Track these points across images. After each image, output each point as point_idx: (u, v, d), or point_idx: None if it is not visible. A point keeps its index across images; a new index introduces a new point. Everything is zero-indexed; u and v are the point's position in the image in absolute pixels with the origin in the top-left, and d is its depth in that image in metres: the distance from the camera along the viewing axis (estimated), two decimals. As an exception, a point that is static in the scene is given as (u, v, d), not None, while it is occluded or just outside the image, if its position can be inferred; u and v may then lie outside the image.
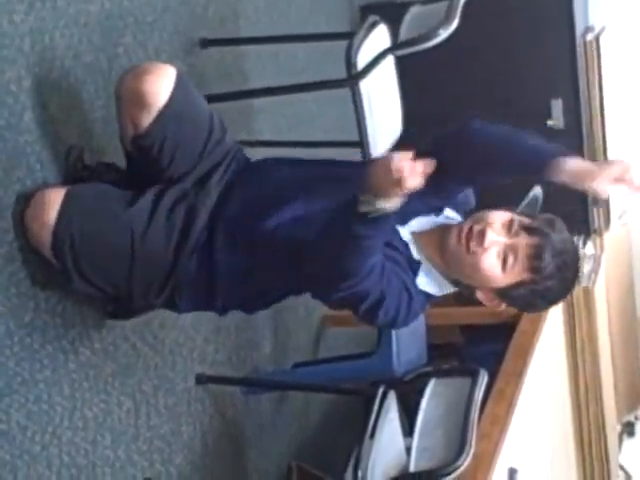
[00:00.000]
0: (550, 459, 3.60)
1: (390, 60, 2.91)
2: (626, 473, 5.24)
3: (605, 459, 4.39)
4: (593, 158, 4.34)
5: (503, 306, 2.13)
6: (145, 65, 2.19)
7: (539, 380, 3.48)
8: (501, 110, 4.33)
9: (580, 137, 4.31)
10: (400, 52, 2.79)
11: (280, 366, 3.57)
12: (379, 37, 2.87)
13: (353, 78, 2.75)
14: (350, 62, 2.73)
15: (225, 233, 2.13)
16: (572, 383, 4.18)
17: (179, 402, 2.88)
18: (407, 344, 3.39)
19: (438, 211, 2.14)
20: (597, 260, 4.25)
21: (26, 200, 2.13)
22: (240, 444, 3.28)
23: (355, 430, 2.65)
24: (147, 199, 2.13)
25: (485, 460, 2.78)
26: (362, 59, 2.75)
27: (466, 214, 2.14)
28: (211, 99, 2.39)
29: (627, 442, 5.52)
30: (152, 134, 2.13)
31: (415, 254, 2.09)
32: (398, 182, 1.79)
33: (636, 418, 5.62)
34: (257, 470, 3.35)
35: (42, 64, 2.28)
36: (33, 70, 2.25)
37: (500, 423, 2.98)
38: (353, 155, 2.84)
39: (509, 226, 2.02)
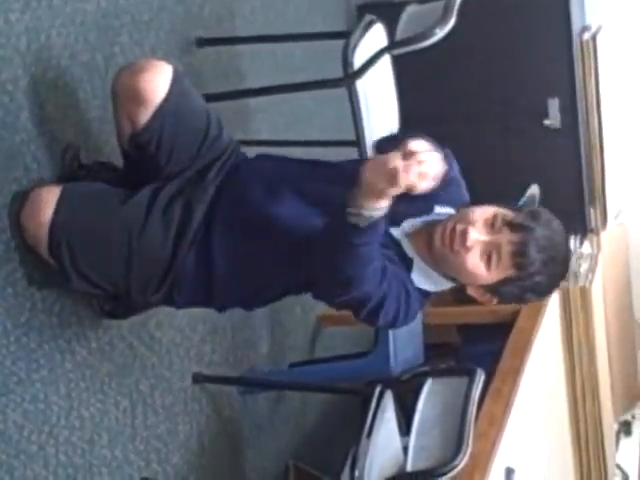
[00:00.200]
0: (547, 458, 3.60)
1: (387, 59, 2.91)
2: (623, 472, 5.24)
3: (602, 458, 4.39)
4: (590, 157, 4.35)
5: (495, 301, 2.13)
6: (141, 62, 2.18)
7: (536, 379, 3.47)
8: (498, 109, 4.36)
9: (577, 136, 4.31)
10: (397, 51, 2.79)
11: (277, 366, 3.57)
12: (376, 36, 2.87)
13: (350, 77, 2.74)
14: (347, 61, 2.73)
15: (223, 225, 2.12)
16: (569, 382, 4.18)
17: (176, 402, 2.88)
18: (404, 344, 3.39)
19: (429, 211, 2.14)
20: (594, 259, 4.25)
21: (22, 199, 2.13)
22: (237, 444, 3.28)
23: (352, 429, 2.64)
24: (144, 195, 2.12)
25: (482, 460, 2.78)
26: (359, 58, 2.75)
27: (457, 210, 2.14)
28: (208, 98, 2.38)
29: (624, 441, 5.52)
30: (149, 130, 2.12)
31: (407, 252, 2.09)
32: (391, 179, 1.75)
33: (633, 417, 5.62)
34: (254, 470, 3.35)
35: (38, 63, 2.28)
36: (29, 69, 2.25)
37: (497, 423, 2.98)
38: (350, 154, 2.84)
39: (492, 223, 2.01)
